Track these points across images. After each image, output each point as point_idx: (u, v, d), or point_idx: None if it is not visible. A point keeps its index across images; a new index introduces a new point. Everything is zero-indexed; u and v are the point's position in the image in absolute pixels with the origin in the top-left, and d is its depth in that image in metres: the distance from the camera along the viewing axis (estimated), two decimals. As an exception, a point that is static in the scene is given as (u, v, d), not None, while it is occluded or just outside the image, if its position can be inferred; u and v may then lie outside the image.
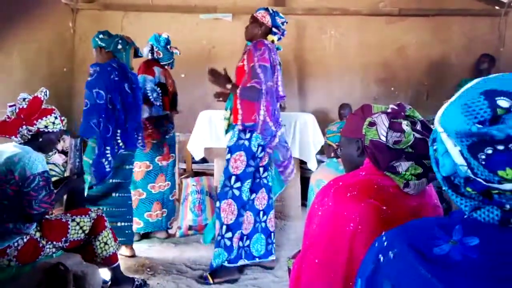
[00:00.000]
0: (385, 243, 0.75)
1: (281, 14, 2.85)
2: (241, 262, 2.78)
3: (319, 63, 5.60)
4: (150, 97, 3.32)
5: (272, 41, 2.77)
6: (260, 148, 2.69)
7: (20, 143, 2.12)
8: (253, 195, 2.82)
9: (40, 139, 2.15)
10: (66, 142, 4.08)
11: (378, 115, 1.21)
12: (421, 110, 1.27)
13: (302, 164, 4.21)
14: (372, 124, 1.21)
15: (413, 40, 5.45)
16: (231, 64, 2.90)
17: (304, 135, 3.95)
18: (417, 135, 1.16)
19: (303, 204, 4.10)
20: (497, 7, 5.27)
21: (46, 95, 2.18)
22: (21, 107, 2.11)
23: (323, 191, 1.21)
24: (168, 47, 3.51)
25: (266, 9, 2.80)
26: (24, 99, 2.13)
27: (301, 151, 3.96)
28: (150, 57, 3.48)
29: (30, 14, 4.55)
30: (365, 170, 1.23)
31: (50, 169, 2.91)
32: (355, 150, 1.29)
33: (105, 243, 2.33)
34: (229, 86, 2.70)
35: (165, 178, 3.55)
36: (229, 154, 2.72)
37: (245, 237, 2.80)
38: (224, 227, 2.69)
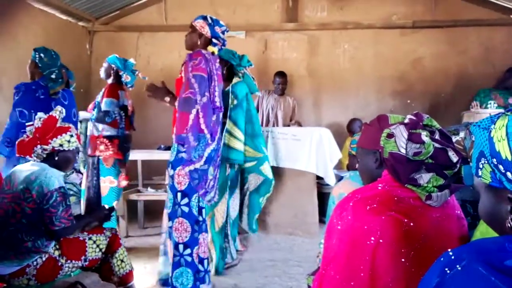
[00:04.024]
0: (452, 257, 0.72)
1: (221, 23, 2.70)
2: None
3: (333, 77, 5.59)
4: (117, 118, 3.49)
5: (213, 53, 2.66)
6: (204, 159, 2.53)
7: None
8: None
9: (56, 158, 2.17)
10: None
11: (396, 126, 1.19)
12: (439, 122, 1.24)
13: (318, 179, 4.17)
14: (391, 135, 1.18)
15: (429, 52, 5.41)
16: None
17: (320, 150, 3.91)
18: (437, 145, 1.13)
19: (321, 221, 4.04)
20: (513, 16, 5.21)
21: (62, 113, 2.21)
22: (37, 126, 2.15)
23: (341, 204, 1.18)
24: (136, 72, 3.67)
25: (205, 18, 2.66)
26: (40, 119, 2.17)
27: (318, 166, 3.92)
28: (112, 81, 3.59)
29: (50, 38, 4.68)
30: (384, 182, 1.20)
31: (68, 189, 2.95)
32: (373, 162, 1.26)
33: (122, 261, 2.32)
34: (167, 98, 2.63)
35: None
36: (172, 170, 2.58)
37: (205, 260, 2.65)
38: (181, 245, 2.55)
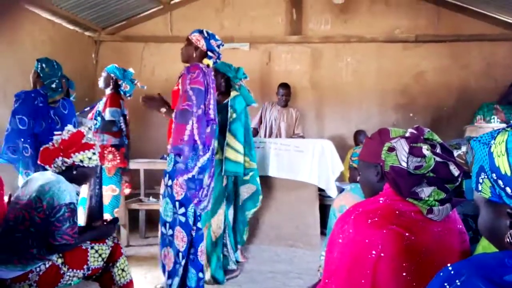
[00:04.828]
0: (452, 272, 0.72)
1: (217, 37, 2.76)
2: None
3: (336, 90, 5.62)
4: (123, 127, 3.55)
5: (208, 65, 2.71)
6: (197, 169, 2.57)
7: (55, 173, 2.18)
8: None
9: (74, 172, 2.20)
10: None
11: (397, 140, 1.20)
12: (441, 135, 1.25)
13: (320, 191, 4.16)
14: (392, 149, 1.19)
15: (431, 66, 5.43)
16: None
17: (322, 162, 3.92)
18: (438, 159, 1.14)
19: (322, 233, 4.02)
20: (515, 32, 5.23)
21: (90, 129, 2.24)
22: (64, 138, 2.18)
23: (343, 218, 1.19)
24: (135, 81, 3.71)
25: (201, 32, 2.72)
26: (68, 131, 2.20)
27: (320, 178, 3.92)
28: (111, 90, 3.62)
29: (57, 47, 4.73)
30: (385, 195, 1.20)
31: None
32: (374, 175, 1.26)
33: (123, 270, 2.32)
34: (163, 109, 2.66)
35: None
36: (170, 180, 2.62)
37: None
38: (180, 254, 2.59)
